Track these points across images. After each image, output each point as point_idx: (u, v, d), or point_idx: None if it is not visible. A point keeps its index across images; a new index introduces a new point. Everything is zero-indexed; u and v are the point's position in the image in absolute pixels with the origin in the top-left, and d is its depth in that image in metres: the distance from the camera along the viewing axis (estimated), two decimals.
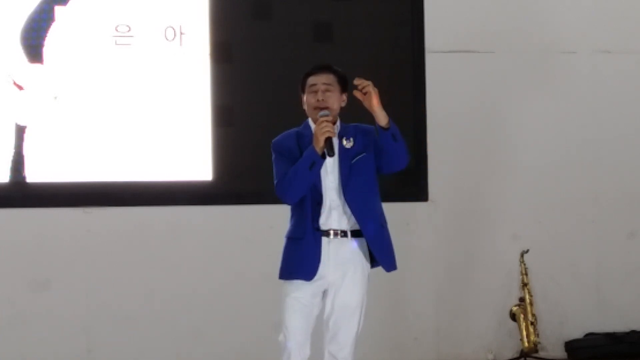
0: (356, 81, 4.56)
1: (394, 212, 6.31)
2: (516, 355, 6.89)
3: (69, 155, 6.67)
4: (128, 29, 6.76)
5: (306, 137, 4.62)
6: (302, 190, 4.56)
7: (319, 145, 4.49)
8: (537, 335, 6.77)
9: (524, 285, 6.85)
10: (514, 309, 6.84)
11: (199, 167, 6.82)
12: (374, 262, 4.71)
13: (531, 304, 6.81)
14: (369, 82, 4.54)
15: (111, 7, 6.74)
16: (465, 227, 7.12)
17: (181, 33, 6.82)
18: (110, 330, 6.65)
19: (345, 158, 4.62)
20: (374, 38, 7.04)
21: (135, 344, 6.67)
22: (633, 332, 7.13)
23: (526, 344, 6.76)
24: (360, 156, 4.63)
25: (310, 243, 4.56)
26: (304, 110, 4.72)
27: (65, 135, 6.67)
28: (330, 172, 4.62)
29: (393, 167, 4.66)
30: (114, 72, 6.73)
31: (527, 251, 6.89)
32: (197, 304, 6.74)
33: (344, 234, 4.61)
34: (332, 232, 4.59)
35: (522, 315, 6.78)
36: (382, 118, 4.53)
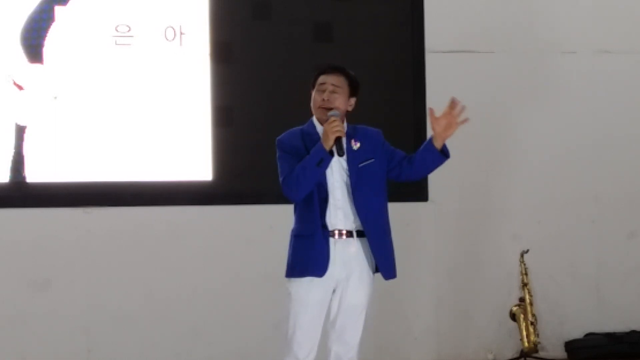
0: (455, 103, 4.64)
1: (394, 212, 6.31)
2: (516, 355, 6.89)
3: (69, 155, 6.67)
4: (128, 29, 6.76)
5: (311, 136, 4.62)
6: (309, 187, 4.55)
7: (329, 143, 4.50)
8: (537, 335, 6.77)
9: (524, 285, 6.85)
10: (514, 309, 6.84)
11: (199, 167, 6.82)
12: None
13: (531, 304, 6.81)
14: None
15: (111, 7, 6.74)
16: (465, 227, 7.12)
17: (181, 33, 6.82)
18: (110, 330, 6.65)
19: (353, 159, 4.63)
20: (374, 38, 7.04)
21: (135, 344, 6.67)
22: (633, 332, 7.13)
23: (526, 344, 6.76)
24: (368, 162, 4.63)
25: (320, 240, 4.55)
26: (309, 108, 4.72)
27: (65, 135, 6.67)
28: (336, 171, 4.62)
29: (415, 178, 4.78)
30: (114, 72, 6.73)
31: (527, 251, 6.89)
32: (197, 304, 6.74)
33: (349, 234, 4.61)
34: (337, 232, 4.59)
35: (522, 315, 6.78)
36: (442, 142, 4.67)
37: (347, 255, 4.59)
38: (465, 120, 4.63)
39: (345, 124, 4.68)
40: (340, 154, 4.52)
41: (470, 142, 7.13)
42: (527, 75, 7.20)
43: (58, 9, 6.68)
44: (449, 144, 7.06)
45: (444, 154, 4.70)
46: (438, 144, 4.66)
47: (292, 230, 4.69)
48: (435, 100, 7.05)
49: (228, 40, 6.90)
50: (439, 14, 7.09)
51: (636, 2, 7.36)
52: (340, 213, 4.60)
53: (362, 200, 4.60)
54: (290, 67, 6.83)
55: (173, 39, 6.81)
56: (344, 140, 4.58)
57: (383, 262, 4.64)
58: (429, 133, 7.02)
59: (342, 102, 4.66)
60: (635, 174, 7.27)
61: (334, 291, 4.61)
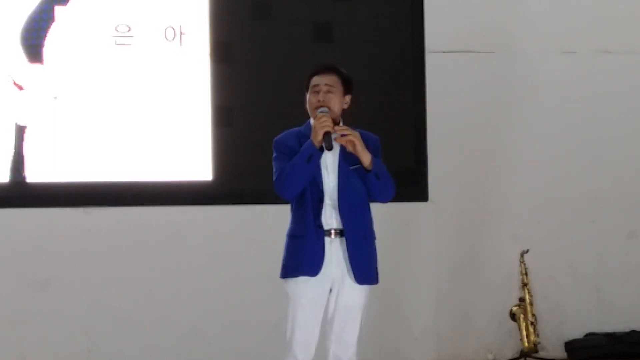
0: (337, 129, 4.56)
1: (394, 212, 6.32)
2: (516, 355, 6.89)
3: (69, 155, 6.67)
4: (128, 29, 6.76)
5: (308, 138, 4.61)
6: (300, 184, 4.57)
7: (317, 138, 4.51)
8: (537, 335, 6.77)
9: (524, 285, 6.85)
10: (514, 309, 6.84)
11: (199, 167, 6.82)
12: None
13: (531, 304, 6.81)
14: (347, 128, 4.56)
15: (111, 7, 6.74)
16: (465, 227, 7.12)
17: (181, 33, 6.82)
18: (110, 330, 6.65)
19: (346, 160, 4.63)
20: (374, 38, 7.04)
21: (135, 344, 6.67)
22: (633, 332, 7.13)
23: (526, 344, 6.76)
24: (359, 166, 4.62)
25: (313, 240, 4.55)
26: (307, 109, 4.73)
27: (65, 135, 6.67)
28: (331, 172, 4.63)
29: (377, 200, 4.69)
30: (114, 72, 6.73)
31: (527, 251, 6.89)
32: (197, 304, 6.74)
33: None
34: (334, 231, 4.59)
35: (522, 315, 6.78)
36: (365, 160, 4.56)
37: (343, 254, 4.59)
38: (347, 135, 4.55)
39: (341, 124, 4.67)
40: (329, 148, 4.52)
41: (470, 142, 7.15)
42: (527, 75, 7.20)
43: (58, 9, 6.68)
44: (450, 144, 7.12)
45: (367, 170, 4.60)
46: (362, 162, 4.58)
47: (287, 231, 4.70)
48: (435, 100, 7.07)
49: (228, 40, 6.90)
50: (439, 14, 7.09)
51: (636, 2, 7.37)
52: (335, 213, 4.60)
53: (345, 202, 4.59)
54: (290, 67, 6.83)
55: (173, 39, 6.81)
56: (333, 136, 4.58)
57: (356, 266, 4.60)
58: (429, 133, 7.11)
59: (337, 101, 4.66)
60: (635, 174, 7.27)
61: (330, 291, 4.61)
